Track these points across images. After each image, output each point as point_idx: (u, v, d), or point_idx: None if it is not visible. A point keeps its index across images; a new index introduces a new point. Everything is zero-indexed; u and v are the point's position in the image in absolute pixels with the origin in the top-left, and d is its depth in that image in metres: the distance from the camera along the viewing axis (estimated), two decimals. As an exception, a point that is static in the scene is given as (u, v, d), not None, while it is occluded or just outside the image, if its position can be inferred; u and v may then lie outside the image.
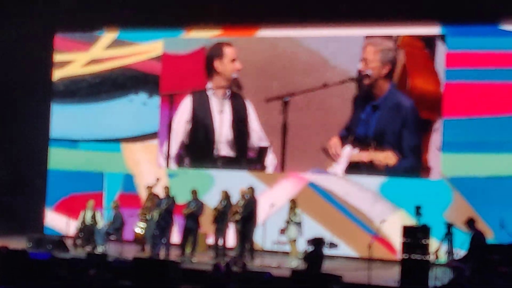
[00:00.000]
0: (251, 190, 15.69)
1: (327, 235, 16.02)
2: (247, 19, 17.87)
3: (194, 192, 15.98)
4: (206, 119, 18.34)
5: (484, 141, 16.09)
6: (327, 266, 13.79)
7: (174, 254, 15.62)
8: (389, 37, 16.92)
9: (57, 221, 19.13)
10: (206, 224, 16.11)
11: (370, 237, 15.17)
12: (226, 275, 11.58)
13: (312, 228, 16.36)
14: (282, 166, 17.60)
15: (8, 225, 18.04)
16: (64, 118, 19.61)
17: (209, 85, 18.32)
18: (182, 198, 16.24)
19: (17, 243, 15.65)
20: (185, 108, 18.53)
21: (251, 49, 18.12)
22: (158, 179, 17.10)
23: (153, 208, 16.21)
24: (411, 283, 12.79)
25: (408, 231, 13.13)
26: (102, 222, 16.89)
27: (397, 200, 16.60)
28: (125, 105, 19.17)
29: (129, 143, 19.04)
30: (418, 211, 13.41)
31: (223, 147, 18.14)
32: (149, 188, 17.01)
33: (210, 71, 18.38)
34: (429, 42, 16.65)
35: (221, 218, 15.73)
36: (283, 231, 15.86)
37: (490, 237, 14.75)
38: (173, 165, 18.55)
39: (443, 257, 13.17)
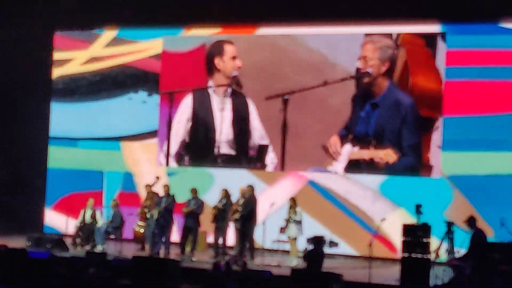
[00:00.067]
0: (251, 188, 15.65)
1: (327, 234, 16.00)
2: (247, 17, 17.83)
3: (194, 191, 15.94)
4: (207, 117, 18.30)
5: (485, 139, 16.06)
6: (327, 265, 13.74)
7: (174, 253, 15.58)
8: (388, 35, 16.89)
9: (56, 220, 19.10)
10: (206, 222, 16.06)
11: (370, 236, 15.14)
12: (226, 274, 11.56)
13: (312, 226, 16.35)
14: (282, 164, 17.57)
15: (7, 224, 18.01)
16: (64, 117, 19.58)
17: (210, 83, 18.29)
18: (182, 196, 16.19)
19: (17, 242, 15.62)
20: (185, 106, 18.49)
21: (250, 47, 18.08)
22: (157, 177, 17.07)
23: (152, 206, 16.17)
24: (411, 281, 12.77)
25: (408, 230, 13.11)
26: (101, 221, 16.84)
27: (397, 198, 16.57)
28: (125, 103, 19.15)
29: (129, 141, 19.01)
30: (418, 209, 13.37)
31: (224, 145, 18.11)
32: (149, 186, 16.99)
33: (211, 68, 18.34)
34: (430, 40, 16.62)
35: (221, 216, 15.69)
36: (283, 229, 15.85)
37: (491, 236, 14.69)
38: (173, 164, 18.53)
39: (443, 256, 13.14)
